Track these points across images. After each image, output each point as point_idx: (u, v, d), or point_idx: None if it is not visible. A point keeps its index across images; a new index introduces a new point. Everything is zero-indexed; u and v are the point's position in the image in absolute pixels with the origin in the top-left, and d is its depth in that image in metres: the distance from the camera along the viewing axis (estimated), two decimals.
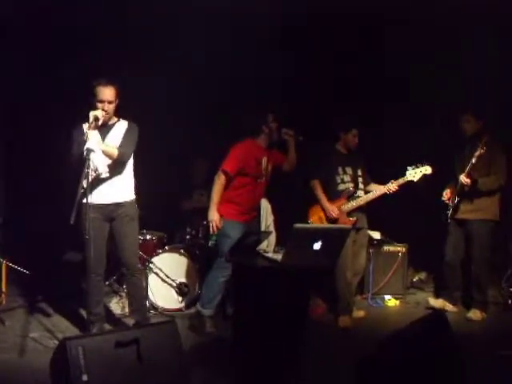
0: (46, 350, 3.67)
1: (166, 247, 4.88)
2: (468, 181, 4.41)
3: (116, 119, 3.84)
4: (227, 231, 4.14)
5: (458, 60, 5.23)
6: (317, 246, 3.12)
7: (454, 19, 5.00)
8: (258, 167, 4.21)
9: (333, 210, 4.43)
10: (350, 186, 4.52)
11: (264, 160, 4.25)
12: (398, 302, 5.09)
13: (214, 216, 4.17)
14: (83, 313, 4.37)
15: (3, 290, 4.85)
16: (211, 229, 4.22)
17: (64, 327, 4.20)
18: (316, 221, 4.49)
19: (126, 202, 3.85)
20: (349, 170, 4.56)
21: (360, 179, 4.59)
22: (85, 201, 3.44)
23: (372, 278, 5.10)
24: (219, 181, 4.18)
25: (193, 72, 5.36)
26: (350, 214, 4.47)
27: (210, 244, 4.84)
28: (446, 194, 4.69)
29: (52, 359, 2.88)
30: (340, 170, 4.54)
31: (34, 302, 4.82)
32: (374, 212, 4.67)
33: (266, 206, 4.16)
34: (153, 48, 5.30)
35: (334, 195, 4.50)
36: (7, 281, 4.93)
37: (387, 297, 5.13)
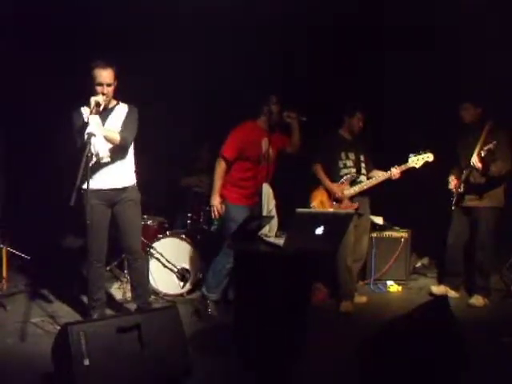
0: (47, 335, 3.67)
1: (167, 232, 4.87)
2: (480, 165, 4.35)
3: (115, 102, 3.79)
4: (232, 215, 4.13)
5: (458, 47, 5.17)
6: (319, 230, 3.10)
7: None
8: (257, 150, 4.18)
9: (338, 190, 4.41)
10: (353, 171, 4.49)
11: (264, 142, 4.20)
12: (400, 288, 5.07)
13: (215, 201, 4.17)
14: (84, 298, 4.37)
15: (4, 275, 4.85)
16: (213, 214, 4.22)
17: (65, 313, 4.20)
18: (318, 205, 4.47)
19: (128, 186, 3.81)
20: (351, 156, 4.53)
21: (362, 165, 4.56)
22: (85, 186, 3.41)
23: (374, 263, 5.09)
24: (219, 166, 4.17)
25: (197, 53, 5.31)
26: (352, 199, 4.44)
27: (212, 229, 4.83)
28: (453, 181, 4.65)
29: (54, 344, 2.89)
30: (343, 154, 4.51)
31: (34, 287, 4.81)
32: (377, 197, 4.64)
33: (267, 190, 4.11)
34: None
35: (336, 180, 4.47)
36: (8, 266, 4.93)
37: (389, 282, 5.11)
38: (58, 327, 3.61)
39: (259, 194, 4.17)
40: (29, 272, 5.16)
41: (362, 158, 4.57)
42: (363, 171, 4.55)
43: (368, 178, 4.52)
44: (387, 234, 5.22)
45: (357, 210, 4.37)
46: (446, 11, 4.99)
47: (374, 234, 5.11)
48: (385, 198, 4.79)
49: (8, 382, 2.99)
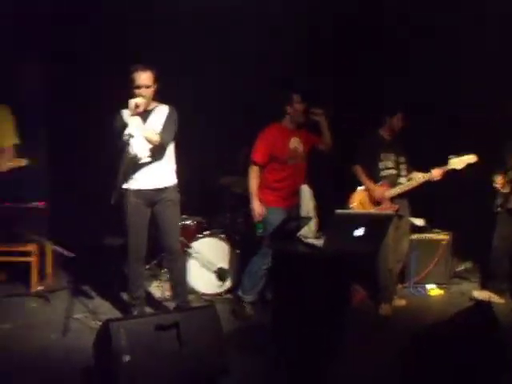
0: (88, 330, 3.76)
1: (206, 232, 4.90)
2: None
3: (155, 104, 3.85)
4: (270, 219, 4.13)
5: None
6: (359, 232, 3.07)
7: None
8: (286, 150, 4.15)
9: (378, 191, 4.34)
10: (393, 172, 4.42)
11: (292, 141, 4.18)
12: (441, 292, 4.96)
13: (254, 205, 4.19)
14: (124, 296, 4.45)
15: (49, 272, 4.99)
16: (255, 218, 4.23)
17: (106, 309, 4.29)
18: (357, 206, 4.41)
19: (167, 186, 3.86)
20: (391, 157, 4.45)
21: (402, 166, 4.48)
22: (126, 186, 3.47)
23: (414, 266, 4.98)
24: (252, 171, 4.21)
25: (234, 55, 5.33)
26: (392, 200, 4.37)
27: (257, 233, 4.81)
28: (499, 181, 4.52)
29: (95, 340, 2.95)
30: (383, 155, 4.44)
31: (77, 284, 4.93)
32: (418, 199, 4.54)
33: (306, 191, 4.08)
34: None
35: (376, 181, 4.41)
36: (52, 264, 5.08)
37: (430, 286, 5.00)
38: (99, 323, 3.69)
39: (297, 195, 4.15)
40: (72, 269, 5.29)
41: (402, 159, 4.49)
42: (403, 173, 4.47)
43: (408, 180, 4.43)
44: (428, 236, 5.11)
45: (397, 211, 4.29)
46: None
47: (415, 236, 4.99)
48: (426, 200, 4.69)
49: (51, 374, 3.08)
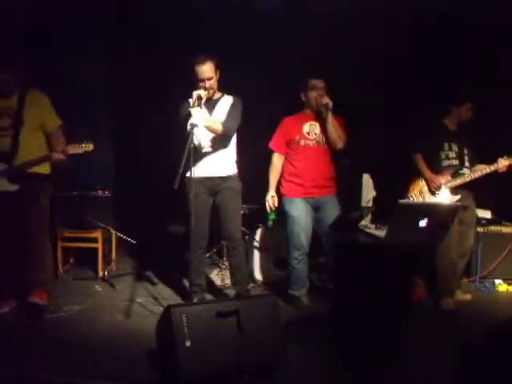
0: (150, 314, 3.87)
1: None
2: None
3: (220, 94, 3.88)
4: (287, 210, 4.12)
5: None
6: (422, 223, 2.98)
7: None
8: (299, 132, 4.09)
9: (438, 180, 4.20)
10: (455, 162, 4.25)
11: (308, 125, 4.11)
12: (509, 288, 4.75)
13: (267, 196, 4.20)
14: (185, 283, 4.55)
15: (113, 257, 5.18)
16: (267, 207, 4.23)
17: (167, 295, 4.39)
18: (416, 195, 4.29)
19: (229, 175, 3.90)
20: (455, 147, 4.28)
21: (466, 157, 4.30)
22: (189, 175, 3.52)
23: (480, 260, 4.80)
24: (272, 161, 4.21)
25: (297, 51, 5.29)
26: (454, 191, 4.19)
27: (268, 225, 4.79)
28: None
29: (158, 324, 3.02)
30: (446, 145, 4.28)
31: (140, 270, 5.09)
32: (485, 190, 4.35)
33: (367, 180, 4.01)
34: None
35: (437, 171, 4.25)
36: (117, 250, 5.26)
37: (497, 281, 4.80)
38: (161, 308, 3.80)
39: (323, 184, 4.08)
40: (135, 256, 5.46)
41: (465, 150, 4.31)
42: (467, 163, 4.28)
43: (471, 171, 4.23)
44: (495, 228, 4.90)
45: (458, 202, 4.11)
46: None
47: (481, 229, 4.81)
48: (493, 191, 4.50)
49: (117, 353, 3.19)
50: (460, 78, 4.91)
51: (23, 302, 3.86)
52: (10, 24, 4.84)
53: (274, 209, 4.24)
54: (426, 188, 4.29)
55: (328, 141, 4.08)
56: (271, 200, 4.20)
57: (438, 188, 4.21)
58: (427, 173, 4.27)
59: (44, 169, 3.86)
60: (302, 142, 4.09)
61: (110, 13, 5.36)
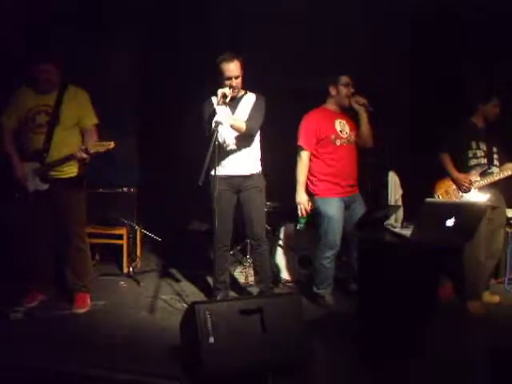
0: (174, 311, 3.89)
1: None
2: None
3: (243, 92, 3.88)
4: (322, 210, 4.02)
5: None
6: (450, 222, 2.93)
7: None
8: (333, 130, 4.02)
9: (465, 180, 4.10)
10: (483, 161, 4.14)
11: (338, 122, 4.05)
12: None
13: (301, 198, 4.04)
14: (209, 280, 4.56)
15: (138, 254, 5.22)
16: (299, 211, 4.08)
17: (191, 292, 4.41)
18: (442, 195, 4.21)
19: (254, 173, 3.89)
20: (483, 146, 4.17)
21: (495, 156, 4.18)
22: (213, 173, 3.53)
23: (510, 261, 4.69)
24: (300, 160, 4.05)
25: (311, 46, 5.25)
26: (481, 191, 4.09)
27: (298, 227, 4.74)
28: None
29: (182, 321, 3.04)
30: (473, 144, 4.17)
31: (164, 267, 5.12)
32: None
33: (394, 179, 3.96)
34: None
35: (464, 171, 4.15)
36: (142, 247, 5.30)
37: None
38: (185, 305, 3.82)
39: (353, 183, 4.04)
40: (160, 253, 5.50)
41: (494, 149, 4.19)
42: (496, 163, 4.17)
43: (500, 170, 4.12)
44: None
45: (487, 202, 3.99)
46: None
47: (510, 230, 4.70)
48: None
49: (141, 349, 3.21)
50: (486, 75, 4.82)
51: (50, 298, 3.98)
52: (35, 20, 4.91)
53: (308, 213, 4.09)
54: (452, 188, 4.20)
55: (356, 139, 4.06)
56: (307, 204, 4.05)
57: (466, 188, 4.12)
58: (454, 173, 4.18)
59: (71, 170, 3.85)
60: (338, 142, 4.03)
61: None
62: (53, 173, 3.78)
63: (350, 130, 4.07)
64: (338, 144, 4.02)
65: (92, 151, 3.64)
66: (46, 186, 3.78)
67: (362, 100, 3.98)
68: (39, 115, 3.76)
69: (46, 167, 3.76)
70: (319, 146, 4.05)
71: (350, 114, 4.15)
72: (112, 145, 3.64)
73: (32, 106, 3.77)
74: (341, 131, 4.04)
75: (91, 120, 3.90)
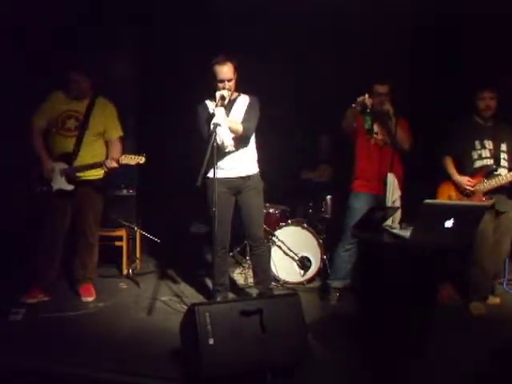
0: (174, 312, 3.89)
1: (289, 221, 4.91)
2: None
3: (237, 94, 3.88)
4: (351, 203, 4.13)
5: None
6: (448, 223, 2.93)
7: None
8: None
9: (467, 183, 3.97)
10: (489, 162, 3.97)
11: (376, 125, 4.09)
12: None
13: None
14: (208, 282, 4.57)
15: (137, 256, 5.22)
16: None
17: (190, 294, 4.41)
18: (444, 199, 4.10)
19: (251, 175, 3.89)
20: (489, 144, 3.99)
21: (503, 155, 3.98)
22: (211, 174, 3.53)
23: (508, 262, 4.68)
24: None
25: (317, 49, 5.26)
26: (487, 195, 3.97)
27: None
28: None
29: (182, 322, 3.04)
30: (478, 143, 4.01)
31: (164, 268, 5.12)
32: None
33: (392, 180, 3.95)
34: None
35: (468, 173, 4.01)
36: (141, 248, 5.30)
37: None
38: (185, 306, 3.81)
39: (383, 182, 4.04)
40: (159, 254, 5.50)
41: (502, 147, 3.99)
42: (503, 163, 3.97)
43: (509, 172, 3.94)
44: None
45: (492, 207, 3.90)
46: None
47: None
48: None
49: (141, 351, 3.21)
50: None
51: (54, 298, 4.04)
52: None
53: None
54: (455, 192, 4.08)
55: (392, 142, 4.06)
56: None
57: (470, 192, 3.98)
58: (456, 176, 4.04)
59: (98, 173, 4.05)
60: (372, 141, 4.12)
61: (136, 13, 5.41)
62: (81, 175, 3.97)
63: (380, 128, 4.13)
64: (372, 143, 4.13)
65: (123, 162, 3.85)
66: (70, 187, 3.98)
67: (386, 108, 3.97)
68: (69, 120, 3.99)
69: (73, 170, 3.95)
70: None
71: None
72: (143, 160, 3.84)
73: (63, 111, 4.00)
74: (376, 133, 4.13)
75: (117, 132, 4.13)
